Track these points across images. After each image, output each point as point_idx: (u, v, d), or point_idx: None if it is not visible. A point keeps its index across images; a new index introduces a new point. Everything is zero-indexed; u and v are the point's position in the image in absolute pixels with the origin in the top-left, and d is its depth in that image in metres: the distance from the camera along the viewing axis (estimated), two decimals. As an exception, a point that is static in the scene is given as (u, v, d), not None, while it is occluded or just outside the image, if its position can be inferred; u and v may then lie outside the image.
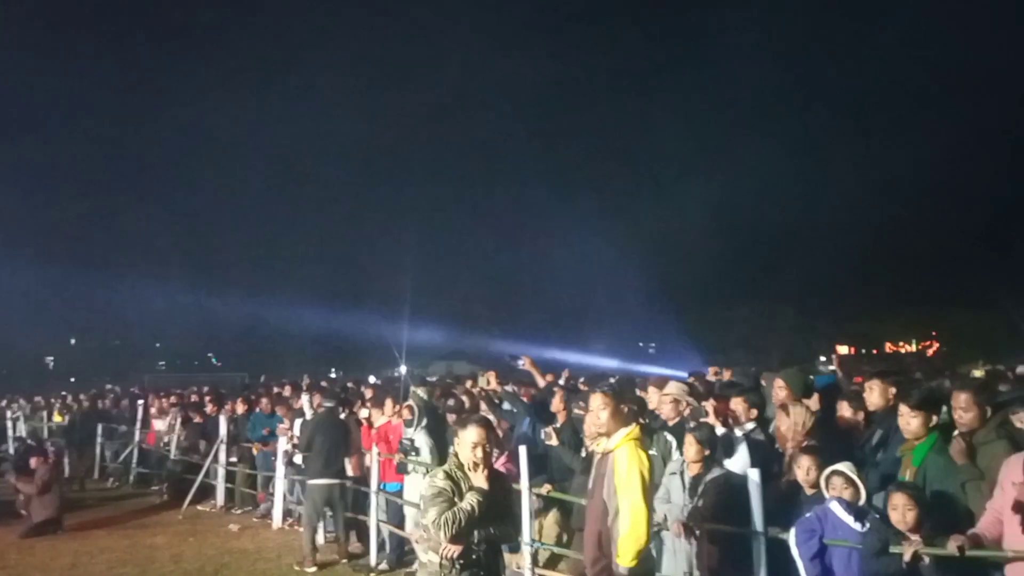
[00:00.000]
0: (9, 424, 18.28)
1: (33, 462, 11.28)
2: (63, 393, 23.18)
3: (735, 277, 46.34)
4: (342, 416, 9.59)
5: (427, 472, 8.29)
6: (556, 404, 7.78)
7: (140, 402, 16.69)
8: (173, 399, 16.08)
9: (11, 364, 51.53)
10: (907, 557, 4.15)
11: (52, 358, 68.19)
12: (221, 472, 12.24)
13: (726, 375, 10.64)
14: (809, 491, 5.10)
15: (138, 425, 15.77)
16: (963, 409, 4.76)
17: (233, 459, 12.26)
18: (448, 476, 4.33)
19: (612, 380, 8.62)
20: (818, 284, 43.86)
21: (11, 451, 15.49)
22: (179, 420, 14.06)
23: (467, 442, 4.36)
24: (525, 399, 8.64)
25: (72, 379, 36.46)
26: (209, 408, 14.00)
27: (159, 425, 15.01)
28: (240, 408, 12.85)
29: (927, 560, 4.13)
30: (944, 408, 5.14)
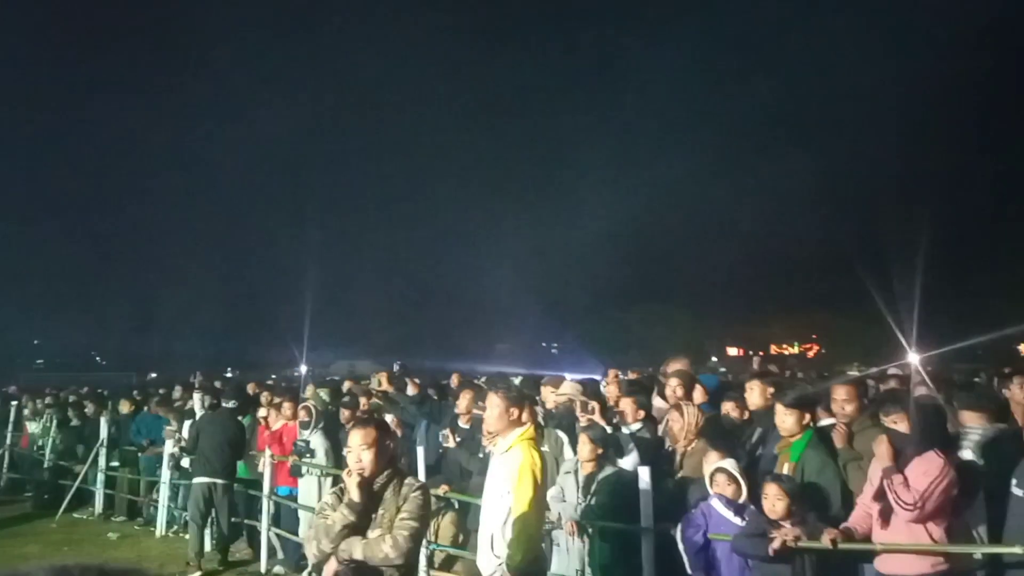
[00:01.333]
0: None
1: None
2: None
3: (631, 281, 47.55)
4: (240, 417, 9.33)
5: (322, 475, 8.21)
6: (461, 405, 7.78)
7: (13, 403, 15.72)
8: (48, 400, 15.24)
9: None
10: (775, 545, 4.36)
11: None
12: (100, 477, 11.68)
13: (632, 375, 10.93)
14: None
15: (10, 427, 14.80)
16: (845, 401, 5.10)
17: (115, 463, 11.72)
18: (338, 486, 3.97)
19: (516, 380, 8.73)
20: (710, 289, 45.60)
21: None
22: (55, 422, 13.33)
23: (349, 447, 3.97)
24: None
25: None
26: (89, 409, 13.30)
27: (33, 427, 14.22)
28: (125, 408, 12.29)
29: (795, 545, 4.36)
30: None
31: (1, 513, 12.03)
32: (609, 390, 7.51)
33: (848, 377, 7.12)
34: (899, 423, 4.43)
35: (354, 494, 3.71)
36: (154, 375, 15.80)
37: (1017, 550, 4.01)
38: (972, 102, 39.52)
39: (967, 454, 4.89)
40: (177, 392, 12.93)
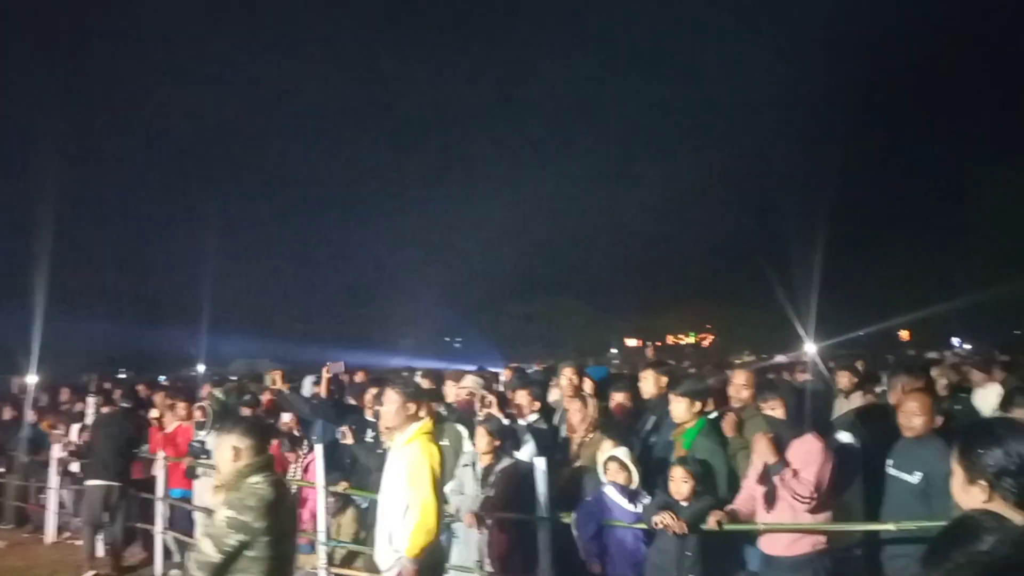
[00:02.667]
0: None
1: None
2: None
3: (533, 276, 48.11)
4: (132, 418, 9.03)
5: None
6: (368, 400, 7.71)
7: None
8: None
9: None
10: (657, 519, 4.57)
11: None
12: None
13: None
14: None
15: None
16: (742, 386, 5.33)
17: (0, 469, 11.13)
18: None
19: (418, 375, 8.74)
20: (609, 282, 46.59)
21: None
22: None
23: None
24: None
25: None
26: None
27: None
28: (7, 414, 11.67)
29: (677, 532, 4.56)
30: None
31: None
32: (506, 384, 7.63)
33: (747, 363, 7.47)
34: (776, 409, 4.68)
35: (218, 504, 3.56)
36: (35, 378, 14.88)
37: (890, 527, 4.28)
38: (865, 100, 41.66)
39: (844, 436, 5.22)
40: (65, 395, 12.34)
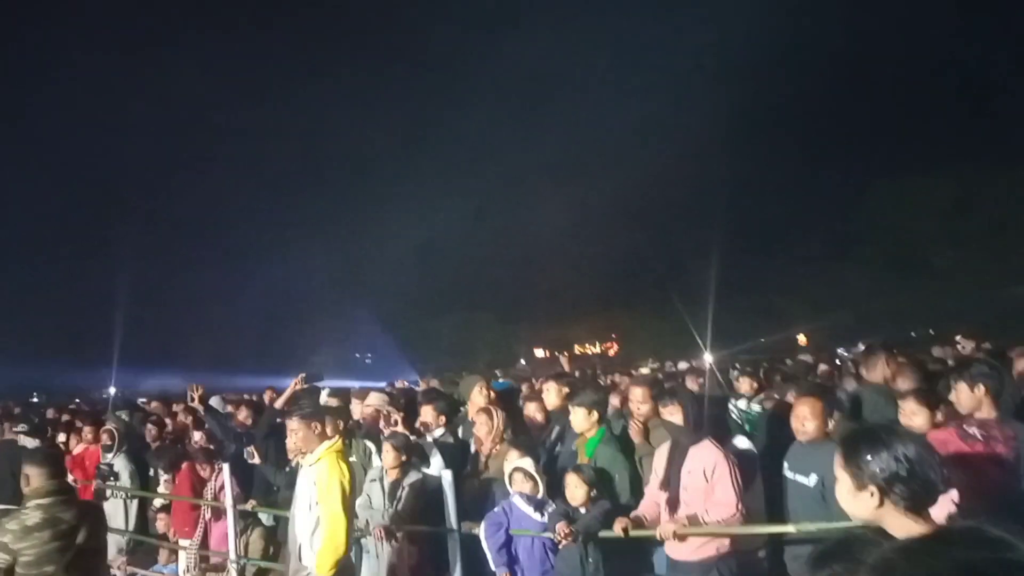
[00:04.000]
0: None
1: None
2: None
3: (442, 290, 48.03)
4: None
5: (128, 497, 7.88)
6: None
7: None
8: None
9: None
10: (560, 530, 4.66)
11: None
12: None
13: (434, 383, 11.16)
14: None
15: None
16: (640, 401, 5.45)
17: None
18: None
19: (324, 393, 8.62)
20: (516, 295, 46.96)
21: None
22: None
23: None
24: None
25: None
26: None
27: None
28: None
29: (569, 540, 4.65)
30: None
31: None
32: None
33: (642, 378, 7.62)
34: (674, 415, 4.82)
35: None
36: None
37: (791, 529, 4.45)
38: (756, 108, 43.09)
39: (741, 442, 5.41)
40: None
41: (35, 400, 22.56)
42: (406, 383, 12.69)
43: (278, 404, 7.54)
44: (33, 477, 4.19)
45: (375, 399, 7.02)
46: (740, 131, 43.34)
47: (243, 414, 8.35)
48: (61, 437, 9.30)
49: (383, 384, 10.60)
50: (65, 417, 10.64)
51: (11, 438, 8.83)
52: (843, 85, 44.66)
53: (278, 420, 7.46)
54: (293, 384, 7.53)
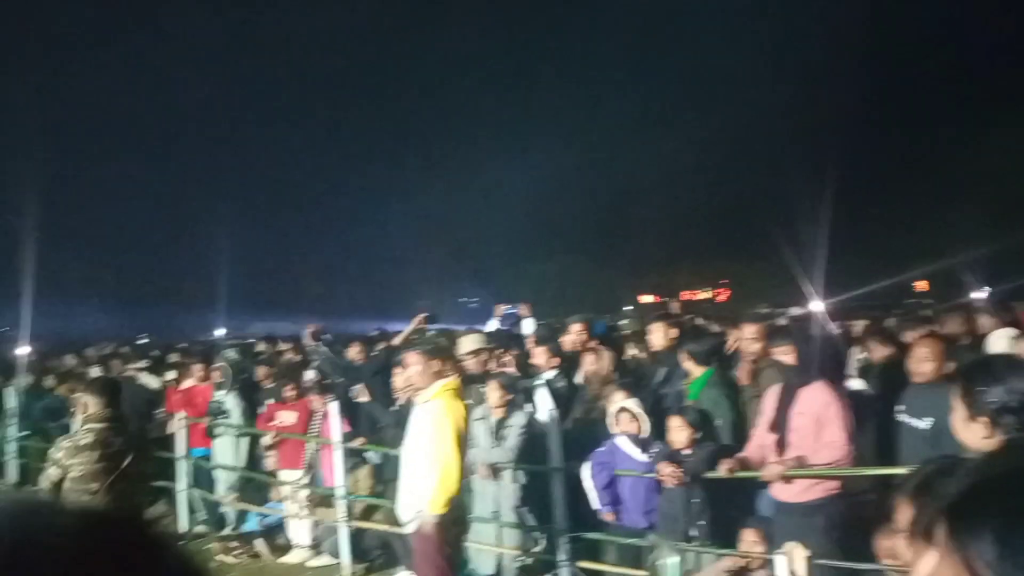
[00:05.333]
0: None
1: None
2: None
3: (547, 235, 48.13)
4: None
5: (238, 435, 8.20)
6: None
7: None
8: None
9: None
10: (665, 477, 4.62)
11: None
12: (13, 447, 11.29)
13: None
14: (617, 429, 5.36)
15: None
16: (752, 339, 5.33)
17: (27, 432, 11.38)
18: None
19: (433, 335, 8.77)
20: (622, 239, 46.52)
21: None
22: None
23: None
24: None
25: None
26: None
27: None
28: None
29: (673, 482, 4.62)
30: None
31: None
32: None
33: (754, 315, 7.43)
34: (787, 355, 4.67)
35: None
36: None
37: (902, 471, 4.28)
38: (871, 48, 40.73)
39: (856, 383, 5.22)
40: (71, 361, 12.50)
41: (143, 340, 23.86)
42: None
43: (396, 341, 7.62)
44: (90, 404, 4.63)
45: (480, 340, 7.07)
46: (858, 66, 40.97)
47: (354, 350, 8.43)
48: (171, 374, 9.51)
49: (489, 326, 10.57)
50: (175, 356, 10.85)
51: (130, 374, 9.12)
52: (964, 20, 41.50)
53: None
54: (415, 321, 7.58)
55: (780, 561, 3.98)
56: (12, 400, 11.36)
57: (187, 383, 8.97)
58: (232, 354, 9.82)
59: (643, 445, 5.05)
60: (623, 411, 5.15)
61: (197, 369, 8.92)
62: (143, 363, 9.22)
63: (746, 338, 5.43)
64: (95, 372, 10.10)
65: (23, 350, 14.08)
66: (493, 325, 9.22)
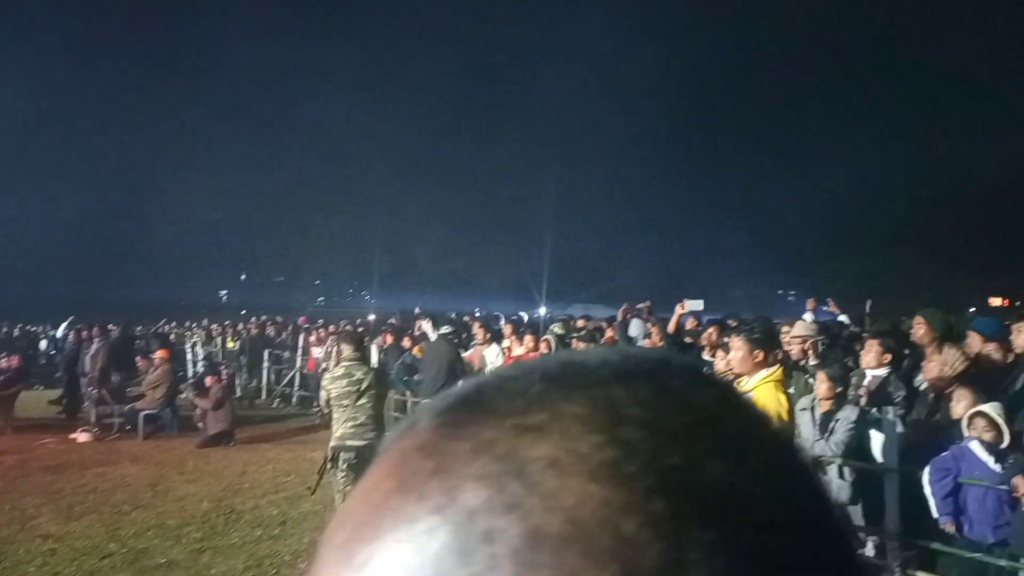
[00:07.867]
0: (188, 348, 20.20)
1: (208, 381, 12.58)
2: (234, 322, 24.87)
3: (874, 226, 44.56)
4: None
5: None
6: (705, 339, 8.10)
7: (301, 333, 18.24)
8: (331, 328, 17.64)
9: (190, 297, 56.72)
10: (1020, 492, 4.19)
11: (226, 292, 77.30)
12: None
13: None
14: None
15: (299, 352, 17.24)
16: None
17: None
18: None
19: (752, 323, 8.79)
20: (966, 234, 41.61)
21: (192, 372, 17.69)
22: (335, 349, 15.14)
23: None
24: None
25: (243, 311, 39.36)
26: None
27: (317, 352, 16.23)
28: (388, 340, 13.98)
29: None
30: None
31: (293, 424, 14.29)
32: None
33: None
34: None
35: None
36: (416, 310, 17.49)
37: None
38: None
39: None
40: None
41: (477, 314, 26.09)
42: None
43: (670, 328, 8.32)
44: (344, 349, 7.08)
45: (803, 328, 6.91)
46: None
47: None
48: (506, 343, 10.79)
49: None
50: (507, 325, 12.27)
51: (445, 333, 10.19)
52: None
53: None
54: (679, 308, 8.22)
55: None
56: (375, 356, 13.26)
57: (517, 351, 10.15)
58: (557, 328, 11.16)
59: (1000, 455, 4.63)
60: (980, 415, 4.76)
61: (527, 339, 10.10)
62: (447, 328, 10.28)
63: None
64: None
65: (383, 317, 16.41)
66: (808, 318, 9.23)
